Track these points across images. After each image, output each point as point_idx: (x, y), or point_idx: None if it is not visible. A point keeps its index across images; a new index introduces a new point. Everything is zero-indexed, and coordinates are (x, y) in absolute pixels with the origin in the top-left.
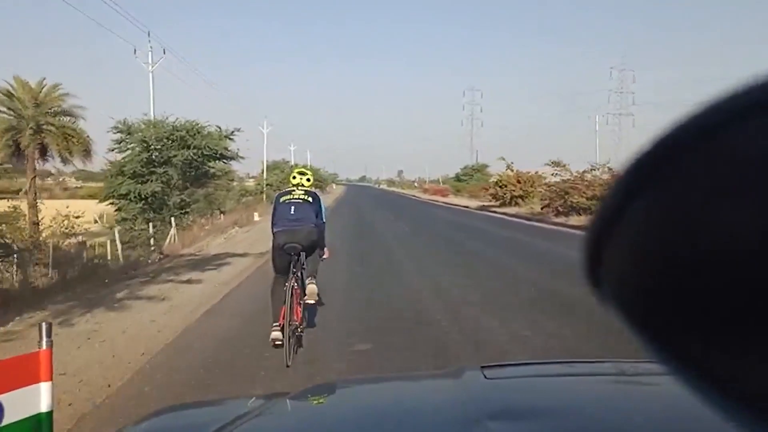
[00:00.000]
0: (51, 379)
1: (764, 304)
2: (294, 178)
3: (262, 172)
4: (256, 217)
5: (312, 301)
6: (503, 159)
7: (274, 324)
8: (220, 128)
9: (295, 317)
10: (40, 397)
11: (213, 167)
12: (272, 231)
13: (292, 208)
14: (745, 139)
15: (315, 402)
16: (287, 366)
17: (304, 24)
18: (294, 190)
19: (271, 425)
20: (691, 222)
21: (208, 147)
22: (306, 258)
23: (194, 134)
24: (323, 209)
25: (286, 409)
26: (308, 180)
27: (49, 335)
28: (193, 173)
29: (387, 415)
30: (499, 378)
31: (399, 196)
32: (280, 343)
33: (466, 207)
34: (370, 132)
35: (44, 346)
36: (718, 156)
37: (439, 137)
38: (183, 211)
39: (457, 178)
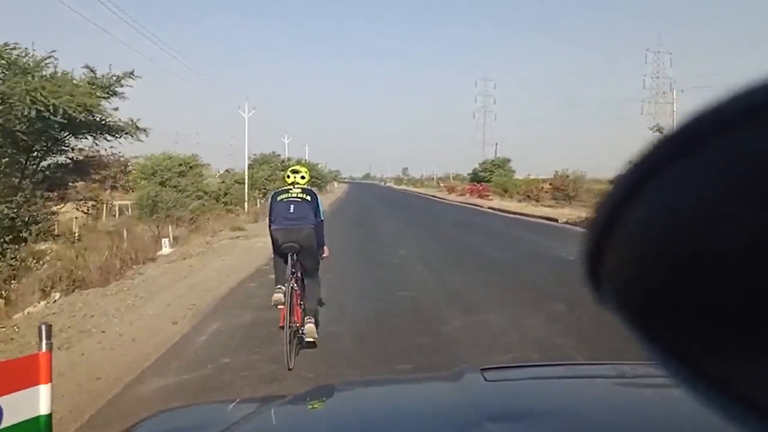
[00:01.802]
0: (50, 381)
1: (765, 306)
2: (288, 177)
3: (251, 167)
4: (164, 249)
5: (311, 340)
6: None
7: (278, 287)
8: (93, 71)
9: (296, 318)
10: (40, 400)
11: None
12: (269, 228)
13: (291, 206)
14: (750, 139)
15: (314, 405)
16: (289, 369)
17: (304, 22)
18: (291, 189)
19: (270, 428)
20: (693, 222)
21: (37, 100)
22: (307, 275)
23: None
24: (321, 207)
25: (286, 411)
26: (302, 178)
27: (48, 338)
28: (39, 156)
29: (387, 418)
30: (499, 380)
31: (417, 198)
32: (281, 307)
33: (554, 221)
34: (374, 130)
35: (44, 349)
36: (722, 156)
37: (445, 134)
38: (8, 237)
39: (475, 175)
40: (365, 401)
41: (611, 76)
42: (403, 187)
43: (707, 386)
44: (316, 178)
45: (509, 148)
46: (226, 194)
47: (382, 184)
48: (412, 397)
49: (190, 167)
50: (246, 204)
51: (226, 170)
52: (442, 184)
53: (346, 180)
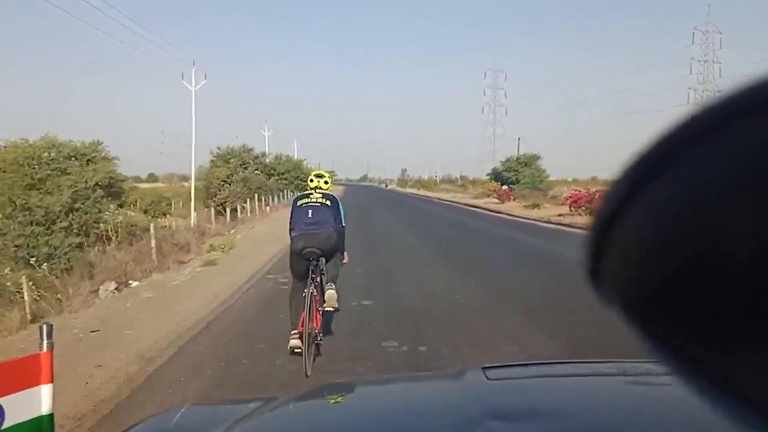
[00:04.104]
0: (52, 382)
1: (765, 304)
2: (311, 181)
3: (211, 170)
4: None
5: (331, 309)
6: None
7: (293, 332)
8: None
9: (314, 324)
10: (41, 400)
11: None
12: (290, 235)
13: (310, 211)
14: (745, 137)
15: (315, 404)
16: (307, 376)
17: (300, 22)
18: (312, 193)
19: (272, 427)
20: (693, 222)
21: None
22: (326, 263)
23: None
24: (342, 212)
25: (288, 410)
26: (326, 183)
27: (49, 337)
28: None
29: (389, 416)
30: (500, 379)
31: (460, 212)
32: (299, 351)
33: None
34: (371, 130)
35: (45, 349)
36: (720, 155)
37: (447, 134)
38: None
39: (496, 175)
40: (366, 401)
41: (645, 61)
42: (411, 190)
43: (708, 384)
44: (302, 181)
45: (524, 146)
46: (72, 211)
47: (383, 186)
48: (414, 396)
49: (88, 161)
50: (193, 213)
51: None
52: (459, 185)
53: (342, 182)
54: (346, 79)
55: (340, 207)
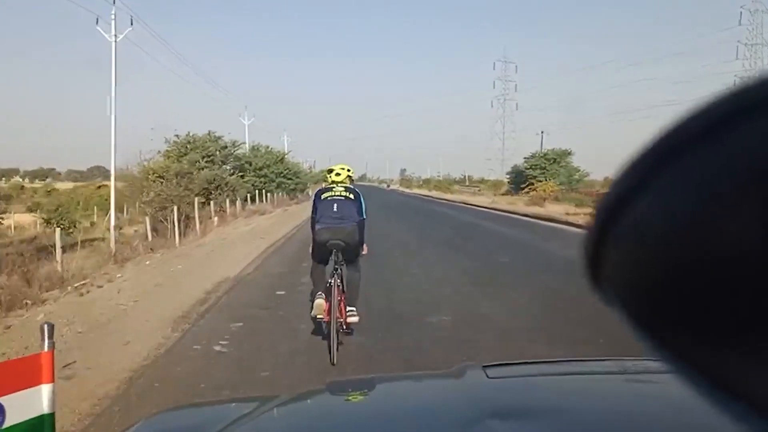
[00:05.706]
0: (53, 381)
1: (765, 303)
2: (330, 175)
3: (145, 167)
4: None
5: (354, 320)
6: None
7: (318, 293)
8: None
9: (339, 314)
10: (42, 399)
11: None
12: (313, 228)
13: (335, 205)
14: (745, 138)
15: (315, 403)
16: (333, 364)
17: (298, 21)
18: (334, 187)
19: (271, 426)
20: (692, 221)
21: None
22: (348, 270)
23: None
24: (364, 205)
25: (286, 410)
26: (346, 176)
27: (51, 337)
28: None
29: (388, 416)
30: (501, 377)
31: None
32: (321, 317)
33: None
34: (369, 130)
35: (46, 348)
36: (719, 155)
37: (448, 133)
38: None
39: (516, 174)
40: (365, 399)
41: (647, 58)
42: (419, 191)
43: (710, 383)
44: (287, 179)
45: (533, 142)
46: None
47: (385, 186)
48: (414, 395)
49: None
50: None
51: None
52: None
53: None
54: (344, 77)
55: (362, 200)
